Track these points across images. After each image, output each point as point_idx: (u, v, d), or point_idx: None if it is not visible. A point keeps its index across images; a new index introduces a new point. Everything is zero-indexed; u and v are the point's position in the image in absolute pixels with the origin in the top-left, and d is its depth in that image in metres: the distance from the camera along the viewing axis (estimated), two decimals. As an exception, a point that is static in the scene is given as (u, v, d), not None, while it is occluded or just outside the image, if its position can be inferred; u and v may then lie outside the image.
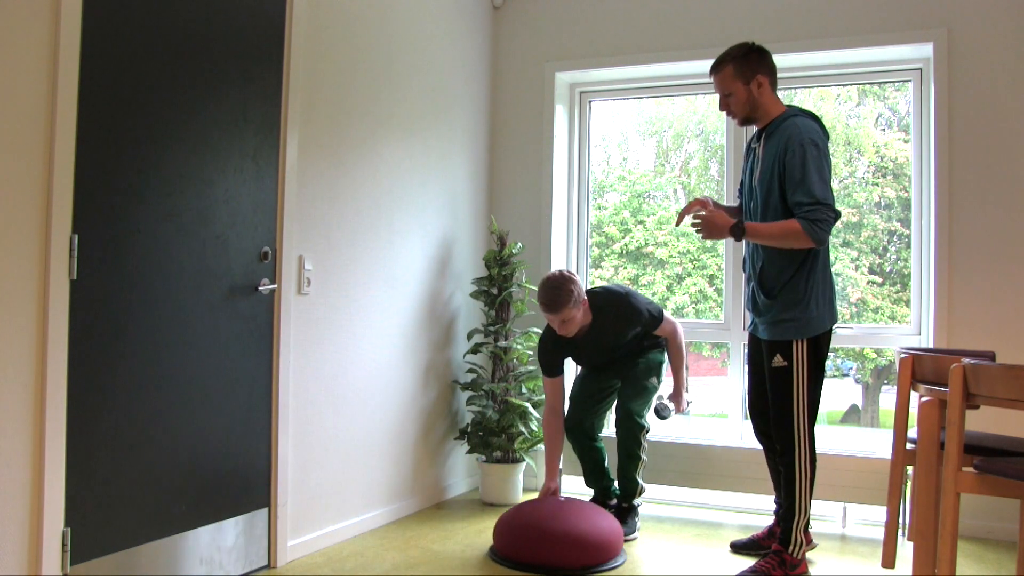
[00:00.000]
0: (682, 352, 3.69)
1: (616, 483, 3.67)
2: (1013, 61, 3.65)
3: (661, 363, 3.67)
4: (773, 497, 3.39)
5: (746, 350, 3.38)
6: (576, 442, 3.69)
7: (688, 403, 3.73)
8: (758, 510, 3.94)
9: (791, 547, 3.01)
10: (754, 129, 3.14)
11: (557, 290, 3.38)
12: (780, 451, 3.01)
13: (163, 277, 2.65)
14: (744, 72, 2.96)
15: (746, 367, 3.35)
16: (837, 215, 2.84)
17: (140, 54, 2.57)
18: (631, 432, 3.56)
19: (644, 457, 3.61)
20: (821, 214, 2.77)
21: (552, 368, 3.63)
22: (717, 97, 3.13)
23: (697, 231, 2.98)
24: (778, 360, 2.96)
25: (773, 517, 3.39)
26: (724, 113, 3.09)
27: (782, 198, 2.87)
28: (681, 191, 7.30)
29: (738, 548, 3.37)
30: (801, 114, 2.97)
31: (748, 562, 3.23)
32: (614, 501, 3.67)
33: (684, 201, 7.11)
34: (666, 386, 3.72)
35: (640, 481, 3.63)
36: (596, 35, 4.45)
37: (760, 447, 3.37)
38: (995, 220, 3.66)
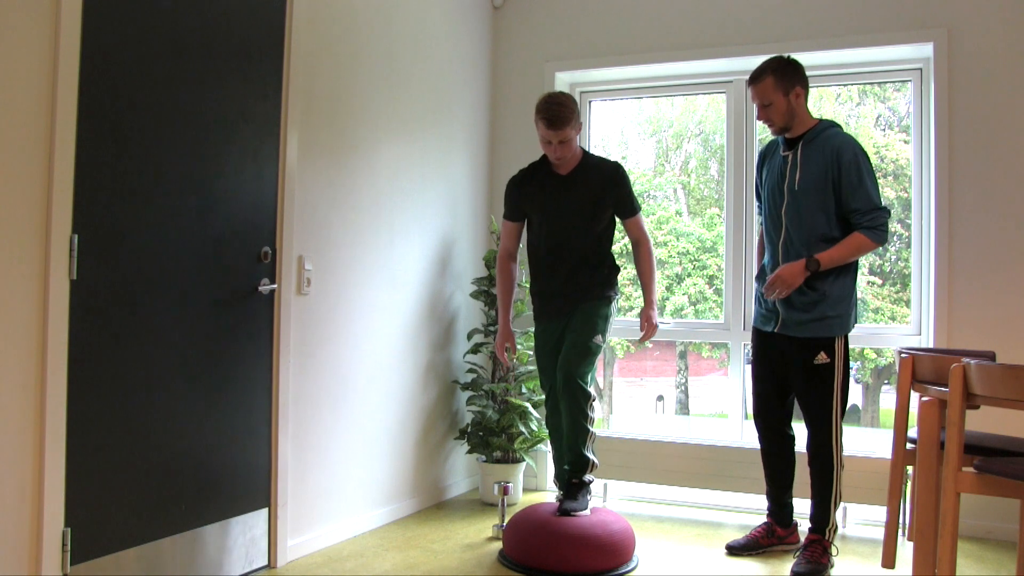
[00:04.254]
0: (653, 260, 3.43)
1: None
2: (1013, 61, 3.65)
3: (608, 317, 3.36)
4: (767, 499, 3.40)
5: (752, 349, 3.36)
6: (553, 413, 3.42)
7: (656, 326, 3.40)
8: (758, 510, 3.94)
9: (828, 532, 3.13)
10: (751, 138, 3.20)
11: (562, 106, 3.17)
12: (817, 444, 3.12)
13: (163, 277, 2.65)
14: (783, 83, 3.09)
15: (754, 366, 3.33)
16: (889, 213, 3.06)
17: (140, 54, 2.57)
18: (575, 400, 3.24)
19: (592, 430, 3.30)
20: (880, 219, 3.01)
21: (515, 211, 3.46)
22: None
23: (773, 296, 3.12)
24: (821, 357, 3.08)
25: (767, 516, 3.40)
26: (761, 122, 3.21)
27: (836, 201, 3.05)
28: (681, 191, 7.31)
29: (736, 549, 3.35)
30: (835, 126, 3.15)
31: (747, 563, 3.24)
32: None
33: (684, 200, 7.11)
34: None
35: (591, 456, 3.31)
36: (596, 35, 4.45)
37: (758, 447, 3.37)
38: (995, 220, 3.66)
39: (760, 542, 3.36)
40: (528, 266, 3.54)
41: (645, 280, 3.46)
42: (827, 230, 3.06)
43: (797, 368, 3.14)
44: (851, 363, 3.20)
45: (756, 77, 3.14)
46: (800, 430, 3.26)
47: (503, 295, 3.55)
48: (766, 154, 3.33)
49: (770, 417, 3.29)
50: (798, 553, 3.15)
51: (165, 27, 2.64)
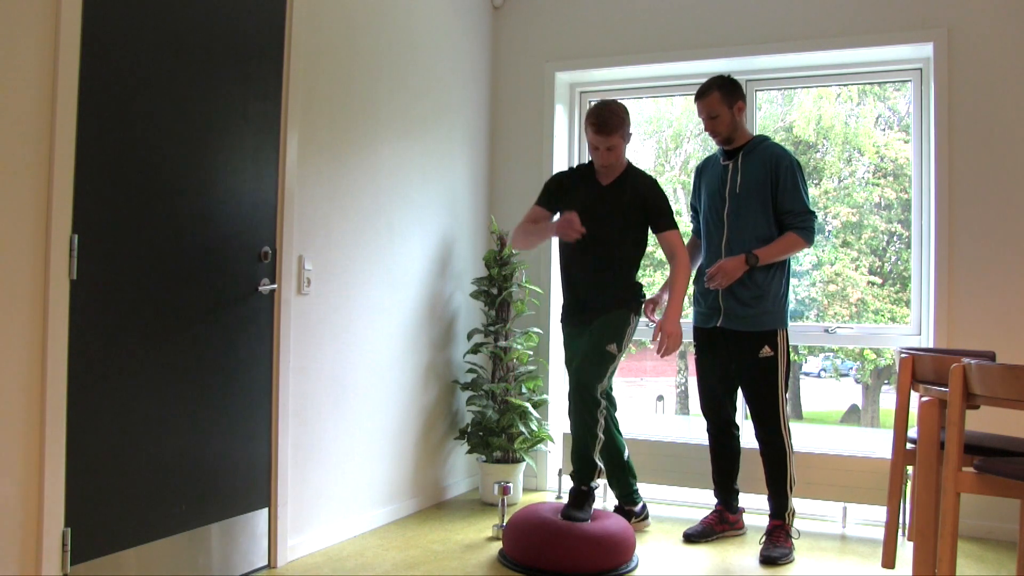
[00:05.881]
0: (685, 274, 3.39)
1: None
2: (1013, 61, 3.65)
3: (625, 325, 3.39)
4: (715, 489, 3.64)
5: (696, 348, 3.61)
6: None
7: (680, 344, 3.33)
8: (758, 510, 3.94)
9: (787, 516, 3.37)
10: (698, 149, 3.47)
11: (612, 113, 3.28)
12: (766, 435, 3.37)
13: (163, 277, 2.65)
14: (728, 98, 3.40)
15: (699, 364, 3.59)
16: (816, 217, 3.41)
17: (140, 54, 2.57)
18: (585, 406, 3.29)
19: (601, 436, 3.36)
20: (810, 221, 3.35)
21: (550, 202, 3.49)
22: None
23: (714, 285, 3.36)
24: (766, 351, 3.34)
25: (717, 505, 3.64)
26: (707, 133, 3.48)
27: (773, 203, 3.38)
28: (681, 191, 7.31)
29: (693, 537, 3.53)
30: (769, 139, 3.48)
31: (746, 562, 3.24)
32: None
33: (684, 201, 7.11)
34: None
35: (599, 463, 3.39)
36: (596, 35, 4.45)
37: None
38: (995, 220, 3.66)
39: (715, 528, 3.59)
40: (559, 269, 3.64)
41: (674, 286, 3.38)
42: (766, 229, 3.35)
43: (743, 363, 3.39)
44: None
45: (703, 93, 3.42)
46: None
47: (528, 225, 3.49)
48: (703, 168, 3.63)
49: (720, 411, 3.55)
50: (763, 540, 3.35)
51: (165, 27, 2.64)
